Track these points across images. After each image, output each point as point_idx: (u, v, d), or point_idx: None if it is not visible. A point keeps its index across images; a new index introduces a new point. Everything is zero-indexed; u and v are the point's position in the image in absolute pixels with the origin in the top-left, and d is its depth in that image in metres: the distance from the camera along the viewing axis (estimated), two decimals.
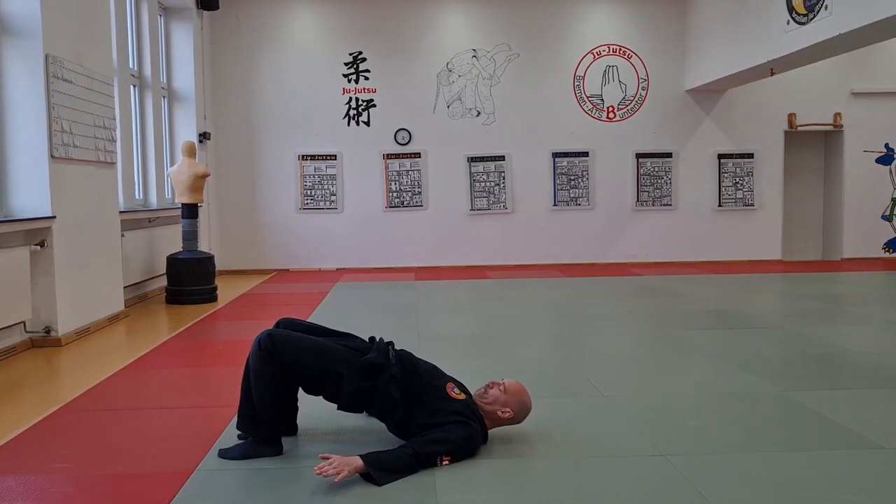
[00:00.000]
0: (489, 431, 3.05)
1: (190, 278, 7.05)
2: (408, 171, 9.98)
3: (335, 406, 2.97)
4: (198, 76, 8.96)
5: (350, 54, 9.86)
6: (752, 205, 10.29)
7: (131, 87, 7.53)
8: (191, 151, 7.23)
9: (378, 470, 2.65)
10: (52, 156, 5.14)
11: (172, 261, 7.13)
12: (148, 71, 7.88)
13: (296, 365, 2.87)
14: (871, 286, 8.07)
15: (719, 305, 6.74)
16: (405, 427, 2.93)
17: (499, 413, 3.02)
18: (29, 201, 5.13)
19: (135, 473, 2.82)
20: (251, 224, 9.89)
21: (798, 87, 10.08)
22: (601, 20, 10.05)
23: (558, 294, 7.60)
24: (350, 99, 9.89)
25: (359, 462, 2.63)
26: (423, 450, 2.76)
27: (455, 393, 2.99)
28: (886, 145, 10.34)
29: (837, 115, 10.23)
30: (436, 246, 10.04)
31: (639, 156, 10.16)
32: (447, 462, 2.79)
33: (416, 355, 3.18)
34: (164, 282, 7.38)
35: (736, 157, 10.24)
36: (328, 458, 2.63)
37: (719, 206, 10.26)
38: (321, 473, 2.56)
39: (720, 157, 10.23)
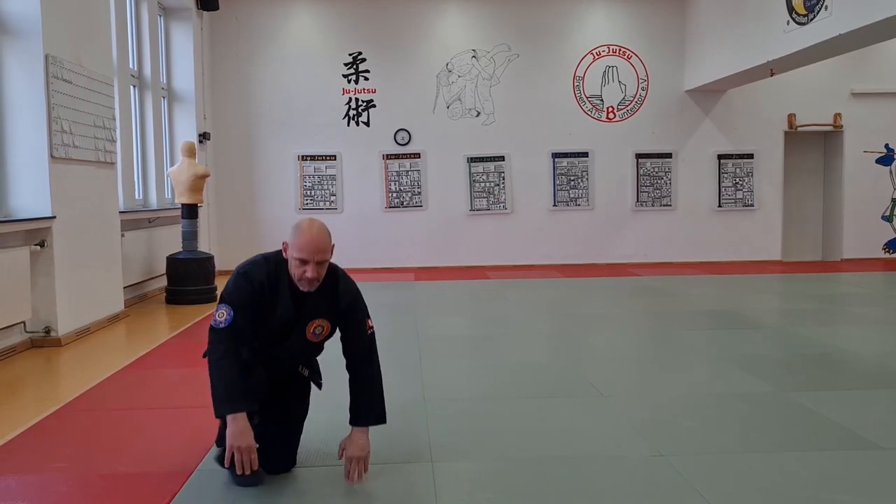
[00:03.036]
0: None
1: (190, 278, 7.06)
2: (407, 171, 9.99)
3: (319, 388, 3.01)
4: (197, 76, 8.96)
5: (350, 55, 9.86)
6: (751, 205, 10.29)
7: (131, 87, 7.53)
8: (190, 152, 7.23)
9: (376, 417, 2.75)
10: (51, 156, 5.14)
11: (172, 261, 7.13)
12: (148, 71, 7.88)
13: None
14: (870, 287, 8.07)
15: (718, 306, 6.74)
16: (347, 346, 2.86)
17: (330, 260, 2.96)
18: (29, 201, 5.13)
19: (134, 473, 2.82)
20: (251, 224, 9.89)
21: (798, 88, 10.08)
22: (601, 21, 10.05)
23: (558, 294, 7.61)
24: (350, 99, 9.90)
25: (364, 438, 2.69)
26: (368, 354, 2.80)
27: (316, 332, 2.88)
28: (886, 146, 10.34)
29: (837, 115, 10.23)
30: (435, 246, 10.04)
31: (638, 156, 10.16)
32: (371, 325, 2.85)
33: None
34: (163, 282, 7.38)
35: (736, 158, 10.24)
36: (350, 467, 2.65)
37: (719, 206, 10.26)
38: (360, 480, 2.64)
39: (720, 157, 10.23)
